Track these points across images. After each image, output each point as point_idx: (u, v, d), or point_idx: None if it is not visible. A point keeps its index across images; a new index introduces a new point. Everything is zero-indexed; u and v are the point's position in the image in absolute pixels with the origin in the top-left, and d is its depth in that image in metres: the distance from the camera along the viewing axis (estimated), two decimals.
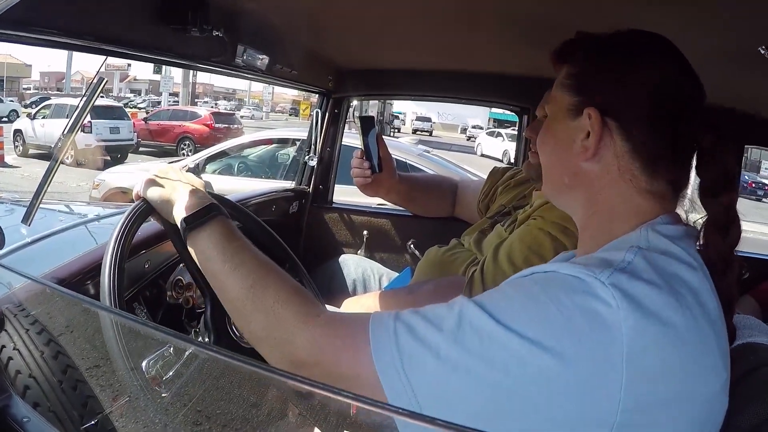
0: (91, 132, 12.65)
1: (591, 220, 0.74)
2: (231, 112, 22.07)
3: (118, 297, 0.81)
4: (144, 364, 0.79)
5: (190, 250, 0.81)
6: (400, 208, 2.04)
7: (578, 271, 0.59)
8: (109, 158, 12.61)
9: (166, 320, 1.16)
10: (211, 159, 5.75)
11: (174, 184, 0.91)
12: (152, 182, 0.93)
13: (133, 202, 0.94)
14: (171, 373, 0.82)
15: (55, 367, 0.84)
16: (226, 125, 16.77)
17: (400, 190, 1.73)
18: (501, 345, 0.56)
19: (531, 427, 0.57)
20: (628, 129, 0.69)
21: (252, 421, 0.79)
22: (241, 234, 0.82)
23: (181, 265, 1.16)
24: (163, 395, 0.78)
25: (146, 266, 1.14)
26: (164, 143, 16.28)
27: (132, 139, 14.57)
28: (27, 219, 1.04)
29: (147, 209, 0.92)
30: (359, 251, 2.16)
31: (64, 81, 44.29)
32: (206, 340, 0.93)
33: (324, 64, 1.92)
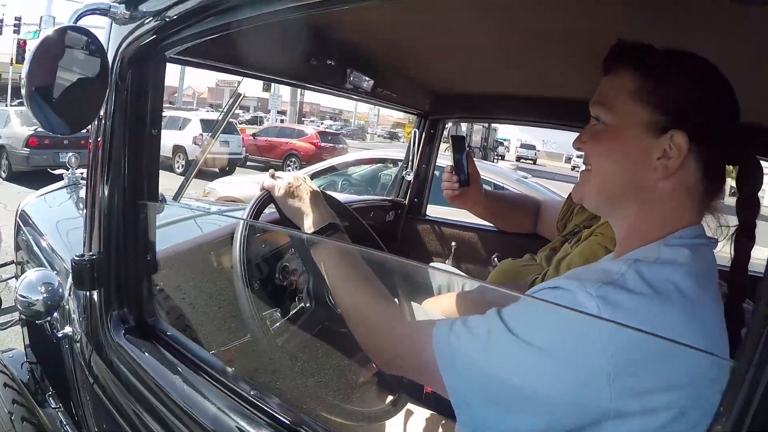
0: (201, 144, 13.74)
1: (635, 230, 0.82)
2: (337, 132, 23.03)
3: (247, 264, 1.10)
4: (264, 314, 1.08)
5: (312, 254, 1.08)
6: (487, 224, 2.23)
7: (573, 285, 0.72)
8: (217, 170, 13.67)
9: (271, 296, 1.46)
10: (316, 174, 6.19)
11: (303, 195, 1.13)
12: (285, 188, 1.14)
13: None
14: (278, 325, 1.11)
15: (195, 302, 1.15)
16: (332, 144, 17.64)
17: (485, 204, 1.93)
18: (511, 349, 0.73)
19: (533, 409, 0.72)
20: (705, 153, 0.76)
21: (336, 370, 1.05)
22: (352, 249, 1.07)
23: (290, 252, 1.45)
24: (276, 339, 1.05)
25: (263, 247, 1.44)
26: (271, 159, 17.29)
27: (240, 154, 15.57)
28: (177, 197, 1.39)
29: (269, 199, 1.21)
30: (447, 261, 2.39)
31: (176, 95, 47.85)
32: (307, 305, 1.21)
33: (422, 89, 2.17)
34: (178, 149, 14.41)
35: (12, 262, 2.41)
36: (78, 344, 1.24)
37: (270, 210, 1.18)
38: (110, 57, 0.92)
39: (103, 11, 0.91)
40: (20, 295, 1.34)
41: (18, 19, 32.73)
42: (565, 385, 0.69)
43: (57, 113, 0.81)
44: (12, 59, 30.26)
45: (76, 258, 1.05)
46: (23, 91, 0.79)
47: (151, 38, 0.92)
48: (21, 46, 28.98)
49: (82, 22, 0.86)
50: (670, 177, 0.77)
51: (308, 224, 1.09)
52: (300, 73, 1.51)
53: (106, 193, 1.02)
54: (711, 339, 0.71)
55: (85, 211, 1.11)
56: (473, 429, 0.77)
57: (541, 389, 0.71)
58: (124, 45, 0.95)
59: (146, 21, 0.91)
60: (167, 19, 0.87)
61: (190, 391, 0.88)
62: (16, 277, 2.32)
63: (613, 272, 0.73)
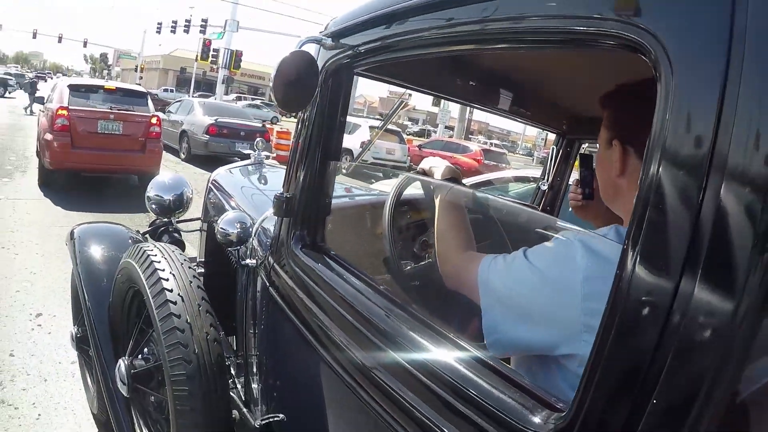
0: (369, 150, 14.73)
1: (624, 217, 1.11)
2: (501, 151, 23.24)
3: (393, 223, 1.56)
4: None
5: (435, 199, 1.50)
6: None
7: (571, 234, 1.01)
8: (381, 175, 14.57)
9: (405, 248, 1.89)
10: (475, 186, 6.58)
11: (440, 165, 1.54)
12: (429, 162, 1.59)
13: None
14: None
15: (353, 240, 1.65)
16: (495, 163, 17.90)
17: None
18: (521, 268, 1.05)
19: (528, 312, 1.03)
20: (640, 152, 0.95)
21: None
22: (459, 200, 1.47)
23: (429, 230, 1.87)
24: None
25: (409, 216, 1.89)
26: None
27: (405, 162, 16.37)
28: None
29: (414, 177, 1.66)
30: None
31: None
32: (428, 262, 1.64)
33: (560, 111, 2.48)
34: (345, 152, 15.48)
35: (198, 219, 3.13)
36: (258, 265, 1.78)
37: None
38: (319, 68, 1.43)
39: (317, 41, 1.42)
40: (221, 228, 1.91)
41: (204, 20, 36.62)
42: (550, 298, 1.00)
43: (285, 94, 1.31)
44: (197, 56, 33.85)
45: (277, 194, 1.58)
46: (271, 83, 1.30)
47: (346, 60, 1.40)
48: (206, 45, 32.35)
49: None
50: (623, 174, 1.06)
51: (439, 173, 1.53)
52: (460, 92, 1.94)
53: (306, 152, 1.53)
54: None
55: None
56: (492, 332, 1.08)
57: (537, 301, 1.02)
58: (327, 63, 1.44)
59: (343, 49, 1.40)
60: (357, 50, 1.35)
61: (346, 286, 1.33)
62: (201, 230, 3.04)
63: (599, 231, 1.05)
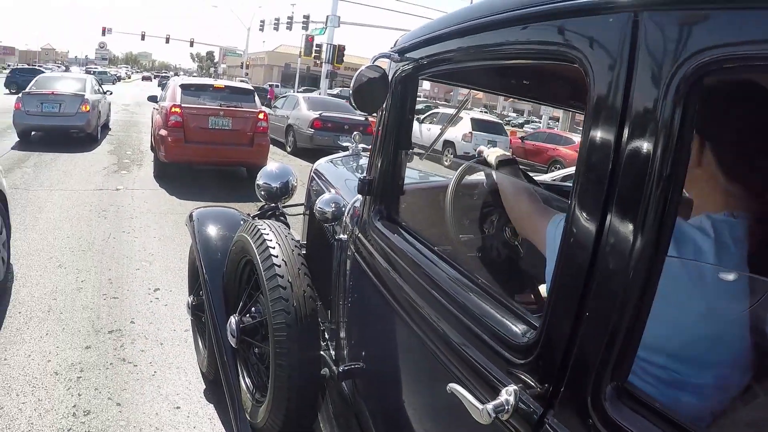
0: (470, 141, 15.03)
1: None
2: None
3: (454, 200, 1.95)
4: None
5: (498, 174, 1.86)
6: None
7: None
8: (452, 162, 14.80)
9: (470, 224, 2.24)
10: (567, 177, 6.71)
11: (497, 153, 1.92)
12: (485, 150, 1.96)
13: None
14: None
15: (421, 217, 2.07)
16: None
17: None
18: None
19: None
20: (716, 149, 1.11)
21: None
22: (519, 173, 1.81)
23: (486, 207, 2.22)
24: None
25: (474, 198, 2.25)
26: (536, 163, 18.00)
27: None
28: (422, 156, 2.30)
29: (475, 166, 2.03)
30: None
31: (452, 93, 50.67)
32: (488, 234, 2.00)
33: None
34: (447, 144, 15.78)
35: (302, 204, 3.64)
36: (348, 238, 2.22)
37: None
38: (389, 76, 1.84)
39: (386, 56, 1.83)
40: (318, 207, 2.37)
41: (306, 17, 37.79)
42: None
43: (362, 100, 1.73)
44: (300, 52, 34.99)
45: (361, 177, 2.02)
46: (351, 90, 1.73)
47: (410, 70, 1.80)
48: (309, 40, 33.37)
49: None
50: (700, 166, 1.14)
51: (496, 156, 1.88)
52: (513, 89, 2.29)
53: (382, 144, 1.94)
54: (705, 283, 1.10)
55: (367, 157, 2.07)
56: None
57: None
58: (396, 73, 1.85)
59: (408, 62, 1.80)
60: (419, 62, 1.74)
61: (413, 251, 1.71)
62: (304, 214, 3.55)
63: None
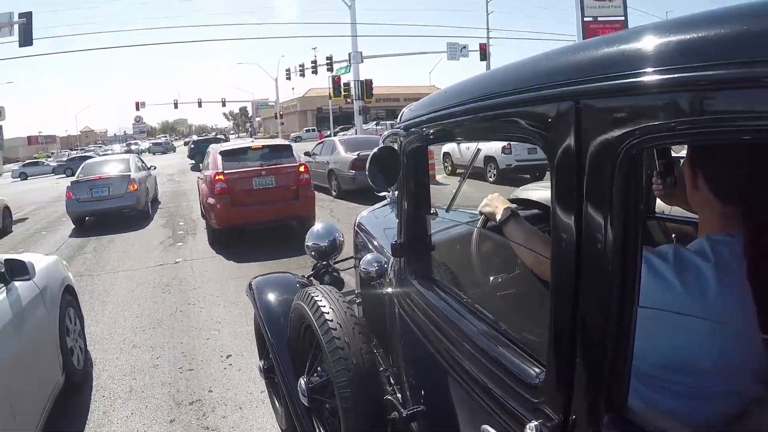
0: (510, 153, 15.11)
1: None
2: None
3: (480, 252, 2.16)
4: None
5: (504, 230, 2.05)
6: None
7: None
8: (528, 176, 14.84)
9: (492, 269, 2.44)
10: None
11: (497, 205, 2.05)
12: (485, 202, 2.10)
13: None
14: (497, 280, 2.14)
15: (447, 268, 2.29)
16: None
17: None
18: None
19: None
20: (707, 176, 1.29)
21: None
22: (523, 222, 1.99)
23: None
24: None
25: (498, 242, 2.45)
26: None
27: None
28: (448, 209, 2.52)
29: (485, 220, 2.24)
30: None
31: None
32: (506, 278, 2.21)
33: None
34: (489, 160, 15.89)
35: (352, 257, 3.90)
36: (393, 291, 2.45)
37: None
38: (399, 150, 2.10)
39: (395, 134, 2.13)
40: (362, 268, 2.62)
41: (329, 58, 38.53)
42: None
43: (378, 179, 1.99)
44: (329, 93, 35.69)
45: (392, 242, 2.26)
46: (367, 166, 2.00)
47: (417, 142, 2.06)
48: (336, 81, 33.99)
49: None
50: (696, 190, 1.34)
51: (498, 217, 2.02)
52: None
53: (406, 210, 2.18)
54: (712, 304, 1.21)
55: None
56: None
57: None
58: (403, 145, 2.12)
59: (414, 135, 2.06)
60: (424, 134, 2.00)
61: (441, 304, 1.94)
62: (355, 267, 3.81)
63: (691, 246, 1.30)
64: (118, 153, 33.04)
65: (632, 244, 1.04)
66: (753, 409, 1.21)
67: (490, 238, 2.30)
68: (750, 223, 1.29)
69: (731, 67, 0.82)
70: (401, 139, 2.14)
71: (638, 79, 0.95)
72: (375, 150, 2.00)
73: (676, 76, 0.90)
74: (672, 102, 0.92)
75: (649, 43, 0.96)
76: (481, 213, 2.16)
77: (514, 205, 2.02)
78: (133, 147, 53.70)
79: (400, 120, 2.18)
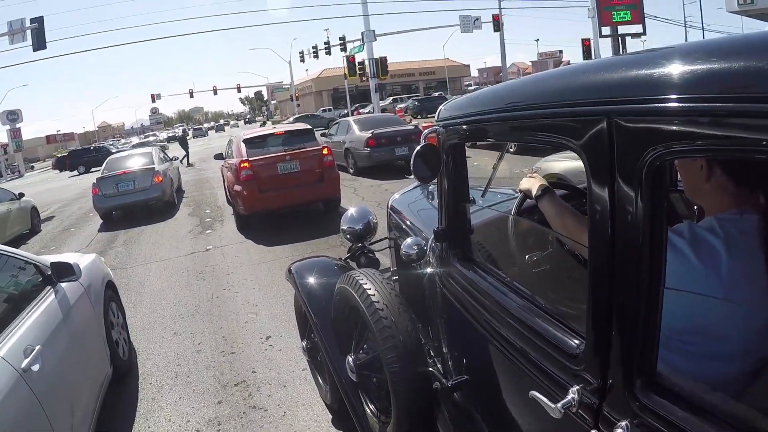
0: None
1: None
2: None
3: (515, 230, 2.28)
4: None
5: (540, 206, 2.15)
6: None
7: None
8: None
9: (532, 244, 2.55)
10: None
11: (532, 182, 2.19)
12: (525, 182, 2.24)
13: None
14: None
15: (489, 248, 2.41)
16: None
17: None
18: None
19: None
20: (725, 169, 1.40)
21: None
22: (556, 198, 2.08)
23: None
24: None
25: (534, 218, 2.56)
26: None
27: None
28: (483, 195, 2.63)
29: (523, 197, 2.36)
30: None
31: (501, 74, 50.31)
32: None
33: None
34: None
35: (386, 238, 4.03)
36: (434, 273, 2.57)
37: None
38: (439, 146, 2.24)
39: (436, 131, 2.27)
40: (404, 251, 2.74)
41: (342, 38, 38.74)
42: None
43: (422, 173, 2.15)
44: (345, 73, 35.75)
45: (435, 229, 2.41)
46: (411, 162, 2.15)
47: (456, 140, 2.19)
48: (350, 60, 34.00)
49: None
50: (708, 181, 1.45)
51: (534, 193, 2.15)
52: None
53: (447, 198, 2.31)
54: (724, 274, 1.34)
55: (436, 205, 2.44)
56: None
57: None
58: (444, 141, 2.24)
59: (453, 132, 2.18)
60: (461, 133, 2.13)
61: (483, 283, 2.07)
62: (389, 247, 3.94)
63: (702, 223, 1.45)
64: (138, 146, 33.48)
65: (658, 237, 1.19)
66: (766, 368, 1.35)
67: (526, 219, 2.43)
68: (763, 204, 1.41)
69: (743, 101, 0.96)
70: (440, 136, 2.27)
71: (663, 105, 1.10)
72: (418, 148, 2.14)
73: (694, 105, 1.04)
74: (692, 125, 1.06)
75: (674, 70, 1.10)
76: (520, 191, 2.29)
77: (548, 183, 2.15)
78: (178, 132, 53.14)
79: (438, 118, 2.31)
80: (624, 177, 1.22)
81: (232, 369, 4.82)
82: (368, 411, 2.99)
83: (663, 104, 1.09)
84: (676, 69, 1.09)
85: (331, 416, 3.84)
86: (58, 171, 45.58)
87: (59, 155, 52.34)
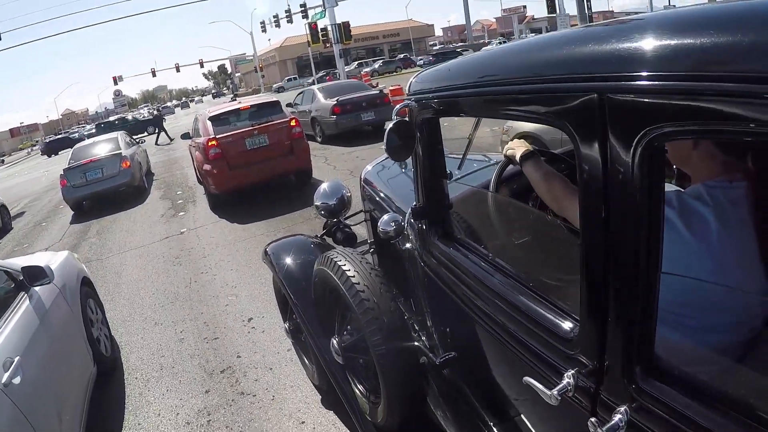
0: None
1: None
2: None
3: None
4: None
5: (524, 170, 2.06)
6: None
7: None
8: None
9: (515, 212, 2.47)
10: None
11: (518, 147, 2.10)
12: (509, 146, 2.16)
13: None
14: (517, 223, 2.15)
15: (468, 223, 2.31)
16: None
17: None
18: None
19: None
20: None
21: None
22: (541, 161, 2.00)
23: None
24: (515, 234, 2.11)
25: (515, 187, 2.46)
26: None
27: None
28: (460, 166, 2.51)
29: (506, 162, 2.25)
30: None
31: (465, 32, 50.09)
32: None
33: None
34: None
35: (361, 212, 3.91)
36: (414, 249, 2.47)
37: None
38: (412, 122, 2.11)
39: (407, 105, 2.11)
40: (381, 229, 2.62)
41: (303, 5, 38.29)
42: None
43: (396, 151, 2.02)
44: (308, 41, 35.49)
45: (413, 206, 2.29)
46: (384, 140, 2.01)
47: (429, 114, 2.04)
48: (312, 28, 33.73)
49: None
50: (696, 149, 1.42)
51: (518, 156, 2.06)
52: None
53: (423, 175, 2.20)
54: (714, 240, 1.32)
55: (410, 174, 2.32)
56: None
57: None
58: (417, 116, 2.11)
59: (425, 108, 2.04)
60: (434, 106, 1.98)
61: (467, 261, 1.97)
62: (365, 220, 3.82)
63: (688, 191, 1.42)
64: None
65: (655, 218, 1.12)
66: (761, 336, 1.30)
67: (506, 187, 2.33)
68: (753, 173, 1.36)
69: (735, 80, 0.90)
70: (413, 110, 2.13)
71: (656, 83, 1.02)
72: (390, 125, 2.00)
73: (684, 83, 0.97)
74: (687, 105, 0.99)
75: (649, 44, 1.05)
76: (505, 156, 2.21)
77: (533, 147, 2.06)
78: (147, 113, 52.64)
79: (409, 91, 2.17)
80: (617, 155, 1.13)
81: (217, 355, 4.73)
82: (357, 392, 2.92)
83: (659, 81, 1.01)
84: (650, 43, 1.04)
85: (321, 397, 3.77)
86: (46, 156, 48.21)
87: (47, 140, 56.27)
